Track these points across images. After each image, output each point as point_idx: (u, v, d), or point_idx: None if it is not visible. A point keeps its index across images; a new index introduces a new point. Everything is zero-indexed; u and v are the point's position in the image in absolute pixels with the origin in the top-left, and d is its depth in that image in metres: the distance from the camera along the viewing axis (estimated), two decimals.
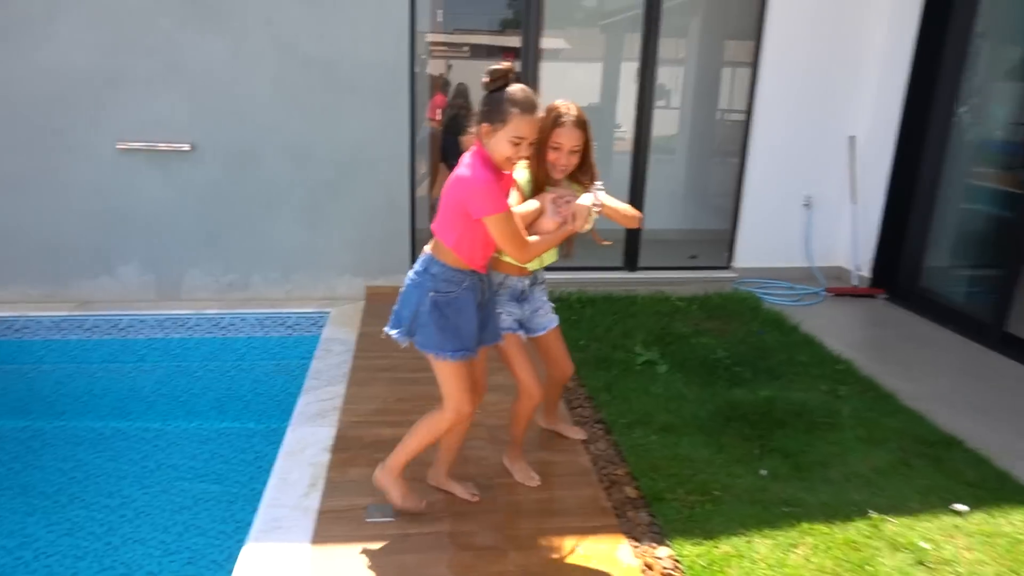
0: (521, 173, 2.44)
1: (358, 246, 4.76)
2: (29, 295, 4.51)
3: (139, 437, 3.58)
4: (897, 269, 5.30)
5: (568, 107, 2.41)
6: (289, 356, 4.37)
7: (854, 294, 5.35)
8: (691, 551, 2.39)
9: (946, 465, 2.97)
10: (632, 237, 5.45)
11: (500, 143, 2.09)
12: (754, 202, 5.54)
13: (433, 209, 2.88)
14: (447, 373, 2.27)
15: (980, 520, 2.61)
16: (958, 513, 2.64)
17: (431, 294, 2.22)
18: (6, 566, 2.62)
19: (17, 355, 4.33)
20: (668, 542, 2.44)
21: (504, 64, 2.12)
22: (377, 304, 4.68)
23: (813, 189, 5.57)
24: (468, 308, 2.26)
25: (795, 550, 2.41)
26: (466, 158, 2.16)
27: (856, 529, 2.53)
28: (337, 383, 3.50)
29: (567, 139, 2.38)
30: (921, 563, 2.37)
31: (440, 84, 6.37)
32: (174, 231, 4.58)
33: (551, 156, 2.41)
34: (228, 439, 3.61)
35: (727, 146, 5.92)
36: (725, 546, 2.42)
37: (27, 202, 4.41)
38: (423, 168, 5.86)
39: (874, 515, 2.59)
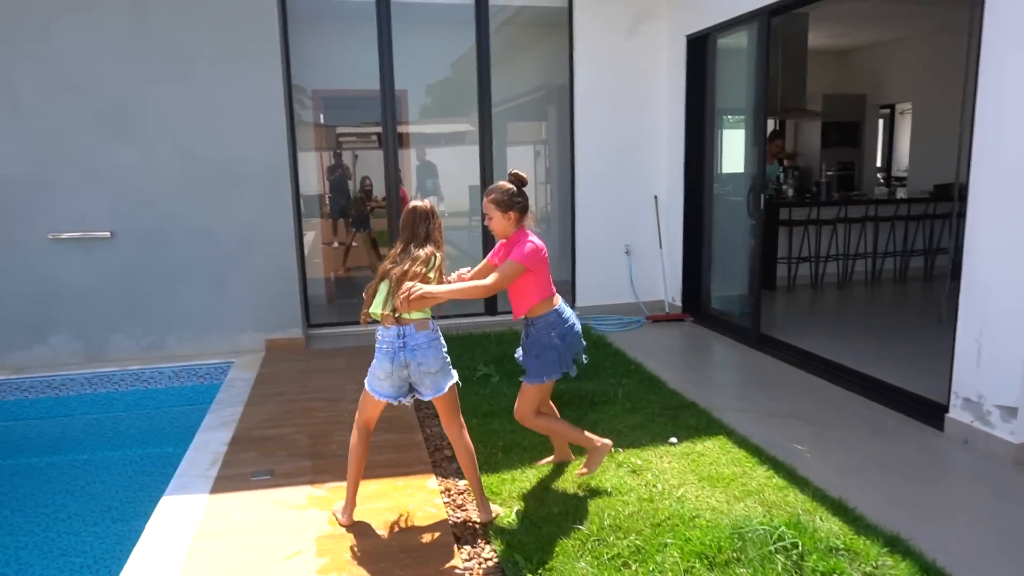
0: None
1: (256, 307, 5.80)
2: None
3: (70, 466, 4.47)
4: (698, 297, 6.71)
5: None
6: (201, 399, 5.31)
7: (667, 319, 6.71)
8: (482, 480, 3.48)
9: (679, 419, 4.20)
10: None
11: None
12: (586, 253, 6.90)
13: None
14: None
15: (685, 447, 3.82)
16: (671, 444, 3.85)
17: None
18: None
19: None
20: (466, 478, 3.54)
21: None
22: (274, 351, 5.72)
23: (631, 239, 6.99)
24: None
25: (551, 471, 3.55)
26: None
27: None
28: (236, 405, 4.50)
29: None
30: (633, 472, 3.54)
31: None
32: (99, 304, 5.52)
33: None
34: (150, 460, 4.54)
35: (562, 210, 7.32)
36: (504, 475, 3.53)
37: None
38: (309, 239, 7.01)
39: (612, 449, 3.77)
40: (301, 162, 6.27)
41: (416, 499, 3.31)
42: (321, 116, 6.87)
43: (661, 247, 6.96)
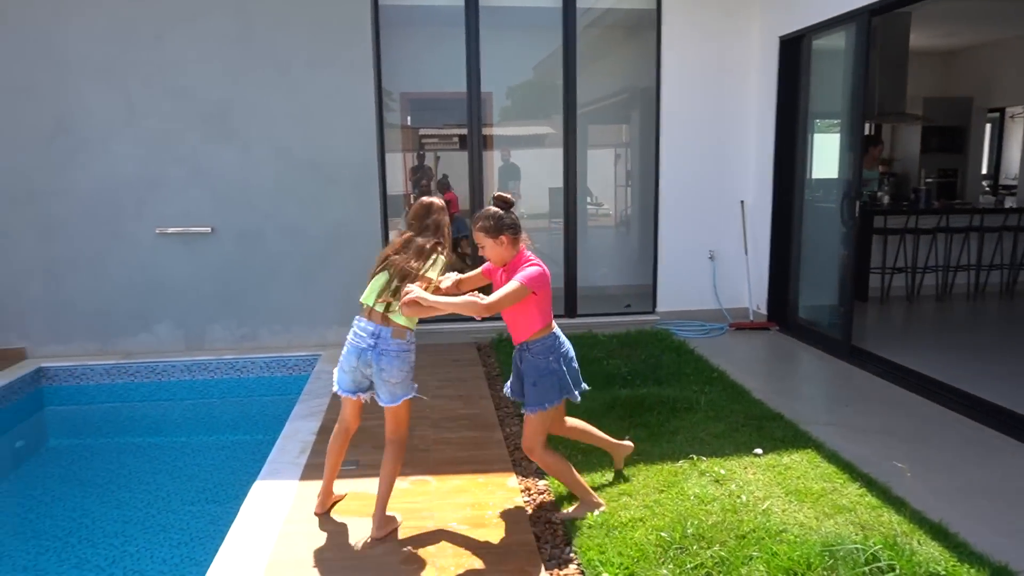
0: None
1: (343, 302, 5.98)
2: (86, 349, 5.73)
3: (170, 447, 4.72)
4: (785, 306, 6.50)
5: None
6: (290, 389, 5.52)
7: (752, 327, 6.53)
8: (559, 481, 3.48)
9: (764, 430, 4.08)
10: (571, 290, 6.68)
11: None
12: (669, 258, 6.79)
13: None
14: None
15: (770, 458, 3.71)
16: (756, 455, 3.74)
17: None
18: (72, 529, 3.58)
19: (75, 396, 5.50)
20: (546, 478, 3.55)
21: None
22: None
23: (716, 244, 6.83)
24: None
25: (631, 476, 3.51)
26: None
27: (679, 465, 3.62)
28: (323, 397, 4.66)
29: None
30: (716, 481, 3.46)
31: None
32: (199, 295, 5.83)
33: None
34: (241, 446, 4.75)
35: (643, 213, 7.22)
36: (584, 477, 3.50)
37: (84, 278, 5.70)
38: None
39: (694, 457, 3.69)
40: (387, 163, 6.43)
41: (496, 496, 3.34)
42: (408, 118, 7.03)
43: (747, 253, 6.78)
